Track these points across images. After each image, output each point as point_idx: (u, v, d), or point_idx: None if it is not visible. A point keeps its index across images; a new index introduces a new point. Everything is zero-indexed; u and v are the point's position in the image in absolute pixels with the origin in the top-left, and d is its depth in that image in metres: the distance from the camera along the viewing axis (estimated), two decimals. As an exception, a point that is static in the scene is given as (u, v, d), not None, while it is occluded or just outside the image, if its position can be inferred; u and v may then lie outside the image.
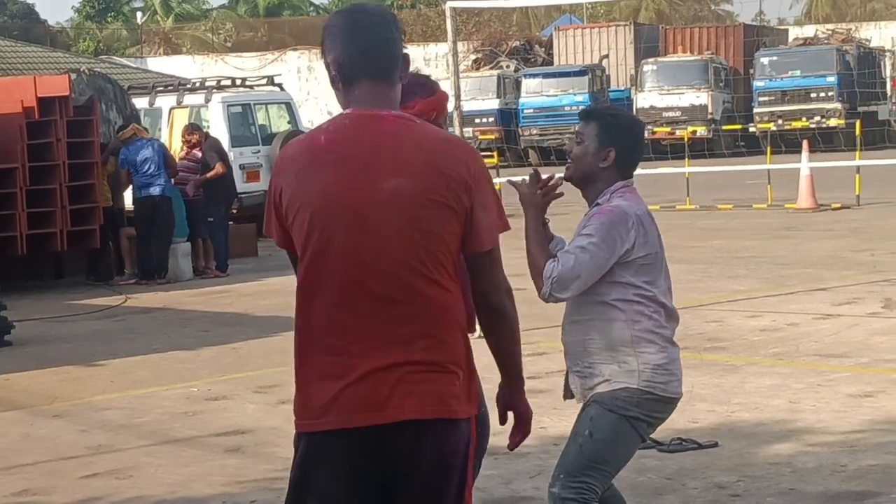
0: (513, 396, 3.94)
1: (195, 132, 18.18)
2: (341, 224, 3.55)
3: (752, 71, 45.32)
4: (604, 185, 5.00)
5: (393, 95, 3.69)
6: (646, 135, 5.25)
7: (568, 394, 5.10)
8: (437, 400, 3.58)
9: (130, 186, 17.58)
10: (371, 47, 3.67)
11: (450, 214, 3.58)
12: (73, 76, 18.25)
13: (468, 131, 41.95)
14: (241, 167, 21.74)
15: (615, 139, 5.00)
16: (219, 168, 17.70)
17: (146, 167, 16.90)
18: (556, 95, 44.75)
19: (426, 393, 3.57)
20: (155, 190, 16.87)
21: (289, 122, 23.88)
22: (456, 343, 3.65)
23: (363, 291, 3.56)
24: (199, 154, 17.89)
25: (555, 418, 8.29)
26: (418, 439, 3.57)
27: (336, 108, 3.84)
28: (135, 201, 17.24)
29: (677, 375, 4.94)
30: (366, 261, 3.55)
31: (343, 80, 3.69)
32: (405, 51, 3.79)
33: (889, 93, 45.39)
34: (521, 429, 4.04)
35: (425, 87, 5.20)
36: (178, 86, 24.29)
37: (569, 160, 5.11)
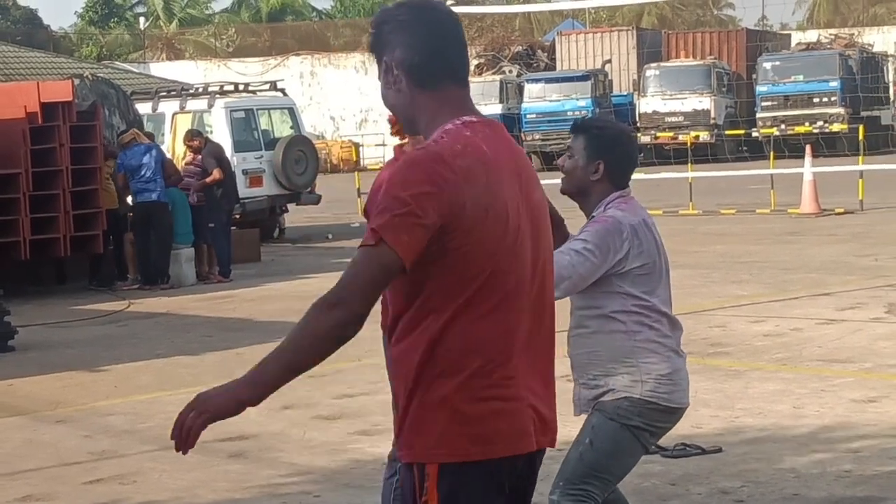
0: None
1: (196, 138, 18.17)
2: (516, 241, 3.27)
3: (754, 76, 45.33)
4: (598, 197, 5.01)
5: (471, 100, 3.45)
6: (636, 143, 5.26)
7: (577, 409, 5.07)
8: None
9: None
10: (453, 48, 3.37)
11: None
12: (77, 81, 18.30)
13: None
14: (244, 172, 21.76)
15: (603, 151, 5.00)
16: (215, 174, 17.67)
17: (142, 172, 16.90)
18: (559, 100, 44.76)
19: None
20: (151, 196, 16.87)
21: (291, 128, 23.91)
22: None
23: (528, 312, 3.31)
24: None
25: (560, 423, 8.28)
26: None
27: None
28: (132, 207, 17.26)
29: (682, 385, 4.93)
30: (534, 276, 3.33)
31: (420, 83, 3.32)
32: None
33: (892, 97, 45.38)
34: None
35: None
36: (181, 91, 24.30)
37: (562, 175, 5.11)
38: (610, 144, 5.05)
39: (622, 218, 4.90)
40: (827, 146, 38.10)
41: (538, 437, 3.34)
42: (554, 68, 50.40)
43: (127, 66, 50.63)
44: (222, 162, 18.11)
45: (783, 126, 42.40)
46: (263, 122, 23.43)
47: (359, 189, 25.54)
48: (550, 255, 3.43)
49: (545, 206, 3.44)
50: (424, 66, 3.31)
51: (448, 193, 3.16)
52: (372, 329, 5.30)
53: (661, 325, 4.90)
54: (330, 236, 23.63)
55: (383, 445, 5.25)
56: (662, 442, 7.28)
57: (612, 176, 5.00)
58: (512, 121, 45.39)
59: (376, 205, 3.20)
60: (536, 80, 46.60)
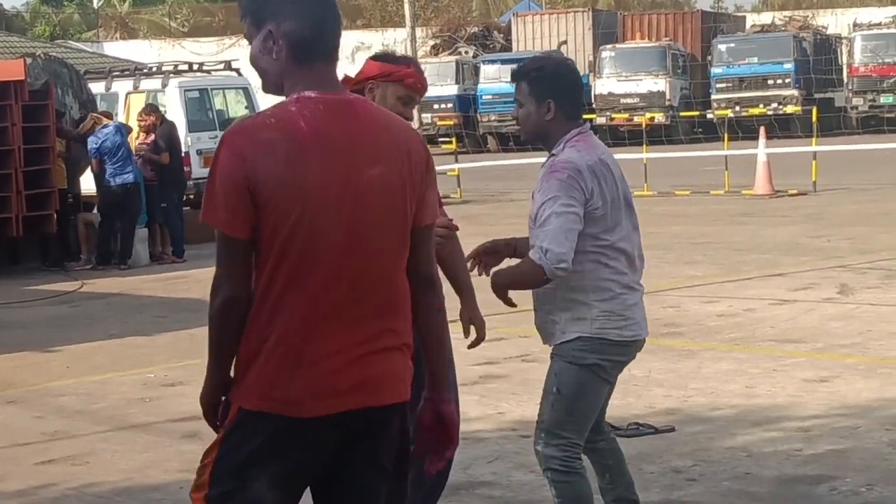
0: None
1: (152, 113, 18.01)
2: (332, 217, 3.43)
3: (709, 58, 45.43)
4: (557, 135, 5.11)
5: (337, 76, 3.63)
6: (577, 70, 5.38)
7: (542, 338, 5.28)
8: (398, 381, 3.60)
9: (88, 172, 17.49)
10: (332, 26, 3.56)
11: (412, 196, 3.57)
12: (29, 60, 18.12)
13: (427, 117, 42.03)
14: (199, 152, 21.63)
15: (549, 90, 5.09)
16: (162, 159, 17.54)
17: (120, 152, 16.79)
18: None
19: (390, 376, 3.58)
20: (129, 177, 16.73)
21: (246, 108, 23.78)
22: (409, 326, 3.64)
23: (348, 279, 3.47)
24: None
25: (512, 403, 8.31)
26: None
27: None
28: (108, 188, 16.98)
29: (635, 319, 5.12)
30: (351, 255, 3.47)
31: (297, 56, 3.52)
32: None
33: (845, 80, 45.60)
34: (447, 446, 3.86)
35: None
36: (135, 70, 24.15)
37: (518, 126, 5.18)
38: (553, 81, 5.13)
39: (578, 160, 4.99)
40: (781, 128, 38.27)
41: (356, 397, 3.48)
42: (510, 49, 50.35)
43: (80, 45, 50.26)
44: (173, 142, 17.98)
45: (738, 108, 42.51)
46: (218, 102, 23.30)
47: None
48: (379, 232, 3.50)
49: (384, 183, 3.50)
50: (307, 42, 3.50)
51: (248, 165, 3.37)
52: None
53: (618, 263, 5.06)
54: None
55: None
56: (615, 421, 7.33)
57: (564, 111, 5.10)
58: (468, 102, 45.38)
59: (209, 184, 3.49)
60: (492, 62, 46.51)
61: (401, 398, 3.59)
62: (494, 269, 5.24)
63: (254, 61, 3.62)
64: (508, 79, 45.38)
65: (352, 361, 3.47)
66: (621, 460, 5.43)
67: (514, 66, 5.37)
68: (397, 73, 5.20)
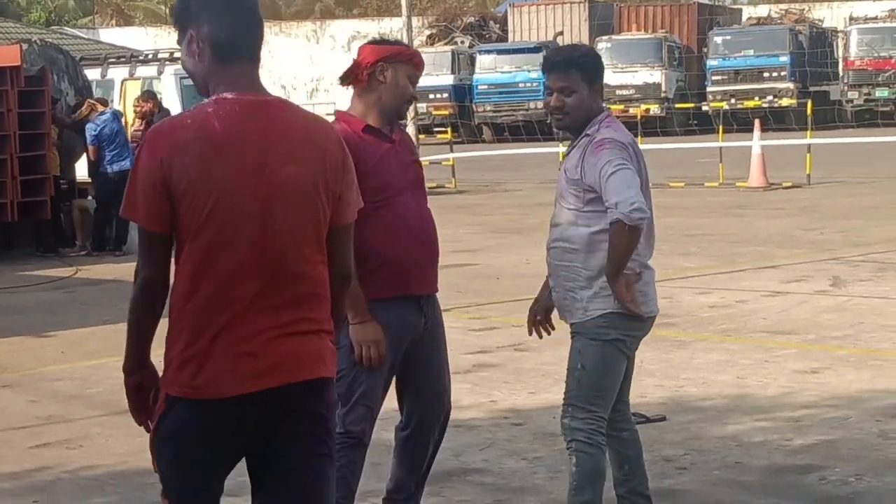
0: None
1: (150, 100, 17.98)
2: (241, 213, 3.62)
3: (705, 50, 45.48)
4: (594, 116, 5.20)
5: (259, 76, 3.79)
6: None
7: (543, 309, 5.43)
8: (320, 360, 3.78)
9: (83, 159, 17.50)
10: (253, 27, 3.74)
11: (329, 196, 3.75)
12: (25, 46, 18.14)
13: (422, 107, 42.00)
14: (195, 140, 21.66)
15: (597, 73, 5.24)
16: None
17: (118, 139, 16.81)
18: (511, 72, 44.75)
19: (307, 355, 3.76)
20: (126, 164, 16.65)
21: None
22: (328, 316, 3.81)
23: (262, 271, 3.66)
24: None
25: (504, 392, 8.36)
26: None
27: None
28: (105, 176, 16.96)
29: (650, 295, 5.26)
30: (264, 248, 3.65)
31: (218, 57, 3.70)
32: None
33: (841, 73, 45.65)
34: None
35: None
36: (131, 57, 24.16)
37: (558, 115, 5.23)
38: (598, 65, 5.30)
39: (619, 137, 5.12)
40: (775, 121, 38.33)
41: (274, 376, 3.66)
42: (506, 40, 50.37)
43: (76, 31, 50.21)
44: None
45: (733, 100, 42.60)
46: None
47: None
48: (292, 228, 3.68)
49: (298, 181, 3.68)
50: (226, 44, 3.69)
51: (164, 164, 3.59)
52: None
53: (640, 242, 5.14)
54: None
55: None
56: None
57: (603, 93, 5.29)
58: (463, 92, 45.40)
59: (130, 181, 3.72)
60: (488, 52, 46.55)
61: (320, 374, 3.75)
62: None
63: (183, 65, 3.83)
64: (504, 69, 45.28)
65: (267, 343, 3.65)
66: (640, 452, 5.52)
67: (545, 56, 5.45)
68: (407, 53, 5.29)
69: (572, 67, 5.19)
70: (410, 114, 25.42)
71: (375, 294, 5.13)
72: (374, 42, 5.41)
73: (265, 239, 3.65)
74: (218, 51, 3.69)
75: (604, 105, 5.34)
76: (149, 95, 18.31)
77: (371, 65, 5.21)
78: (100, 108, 17.33)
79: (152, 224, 3.64)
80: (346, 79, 5.30)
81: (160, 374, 3.76)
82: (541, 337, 5.56)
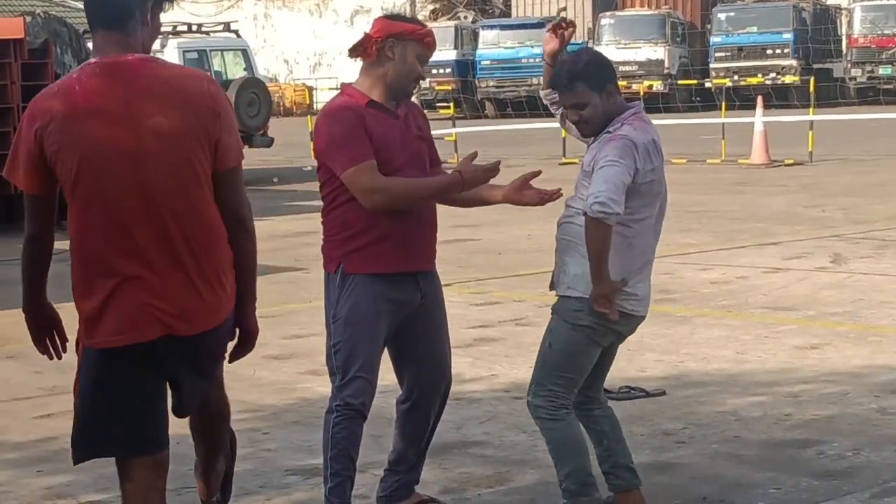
0: (245, 313, 4.30)
1: None
2: (110, 168, 3.91)
3: (708, 26, 45.44)
4: (615, 114, 5.21)
5: (133, 41, 3.99)
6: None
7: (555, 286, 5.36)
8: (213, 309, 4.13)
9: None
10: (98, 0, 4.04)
11: (203, 142, 3.98)
12: (28, 19, 18.13)
13: (425, 82, 41.98)
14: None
15: (604, 78, 5.24)
16: None
17: None
18: (514, 48, 44.72)
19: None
20: None
21: (244, 69, 23.84)
22: (227, 254, 4.12)
23: (146, 221, 3.97)
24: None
25: (506, 366, 8.41)
26: None
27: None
28: None
29: (637, 296, 5.22)
30: (138, 198, 3.95)
31: (90, 26, 4.01)
32: None
33: (844, 50, 45.59)
34: (246, 346, 4.41)
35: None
36: (134, 30, 24.12)
37: (579, 127, 5.27)
38: (601, 67, 5.31)
39: (635, 137, 5.12)
40: (778, 97, 38.35)
41: (165, 326, 4.06)
42: (509, 15, 50.33)
43: (79, 4, 50.10)
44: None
45: (736, 77, 42.58)
46: (216, 64, 23.37)
47: (311, 133, 25.50)
48: (168, 176, 3.95)
49: (165, 131, 3.93)
50: (88, 13, 4.05)
51: (37, 131, 3.93)
52: (323, 272, 5.37)
53: (637, 240, 5.15)
54: (276, 180, 23.60)
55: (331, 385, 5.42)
56: (606, 384, 7.41)
57: (618, 89, 5.28)
58: (466, 67, 45.38)
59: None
60: (491, 27, 46.54)
61: (212, 325, 4.12)
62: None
63: None
64: (507, 44, 45.18)
65: (165, 294, 4.02)
66: (616, 427, 5.51)
67: (554, 72, 5.44)
68: (419, 33, 5.24)
69: (576, 81, 5.18)
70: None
71: (371, 268, 5.12)
72: (388, 17, 5.39)
73: (142, 189, 3.92)
74: (89, 19, 4.02)
75: (627, 102, 5.30)
76: None
77: (381, 39, 5.19)
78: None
79: (30, 187, 4.05)
80: (354, 51, 5.25)
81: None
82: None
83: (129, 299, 4.04)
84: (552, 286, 5.35)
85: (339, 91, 5.41)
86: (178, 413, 4.42)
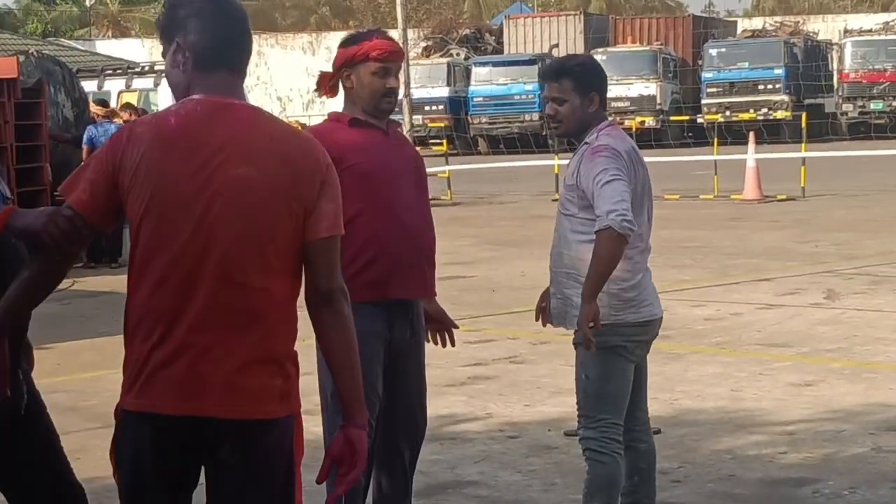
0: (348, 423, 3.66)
1: (126, 110, 18.05)
2: (179, 210, 3.49)
3: (700, 62, 45.58)
4: (594, 125, 5.23)
5: (242, 87, 3.70)
6: None
7: (548, 319, 5.39)
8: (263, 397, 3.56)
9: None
10: (239, 39, 3.65)
11: (294, 206, 3.54)
12: (22, 58, 18.16)
13: (417, 119, 42.02)
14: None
15: (593, 83, 5.24)
16: None
17: None
18: (506, 84, 44.81)
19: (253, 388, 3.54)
20: None
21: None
22: (288, 337, 3.61)
23: (200, 279, 3.48)
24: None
25: (500, 404, 8.38)
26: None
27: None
28: None
29: (648, 300, 5.25)
30: (206, 248, 3.48)
31: (200, 66, 3.59)
32: None
33: (835, 86, 45.74)
34: (348, 469, 3.67)
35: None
36: (127, 69, 24.21)
37: (553, 123, 5.30)
38: (596, 74, 5.33)
39: (616, 145, 5.15)
40: (770, 133, 38.38)
41: (198, 403, 3.50)
42: (501, 52, 50.45)
43: (72, 43, 50.29)
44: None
45: (728, 112, 42.69)
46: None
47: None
48: (235, 233, 3.49)
49: (249, 184, 3.51)
50: (209, 52, 3.59)
51: (117, 156, 3.54)
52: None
53: (633, 250, 5.15)
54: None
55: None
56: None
57: (603, 103, 5.28)
58: (459, 104, 45.44)
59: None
60: (484, 64, 46.62)
61: (264, 416, 3.53)
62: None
63: (167, 77, 3.72)
64: (500, 81, 45.30)
65: (199, 364, 3.49)
66: (653, 465, 5.55)
67: (545, 66, 5.52)
68: (361, 52, 5.18)
69: (563, 76, 5.23)
70: (406, 125, 25.47)
71: (361, 296, 4.79)
72: (342, 42, 5.33)
73: (200, 239, 3.49)
74: (200, 60, 3.58)
75: (606, 114, 5.35)
76: (127, 106, 18.39)
77: (336, 73, 5.23)
78: (101, 119, 17.41)
79: (81, 204, 3.58)
80: (317, 90, 5.34)
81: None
82: (544, 325, 5.51)
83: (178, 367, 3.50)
84: (549, 320, 5.36)
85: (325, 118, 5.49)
86: None
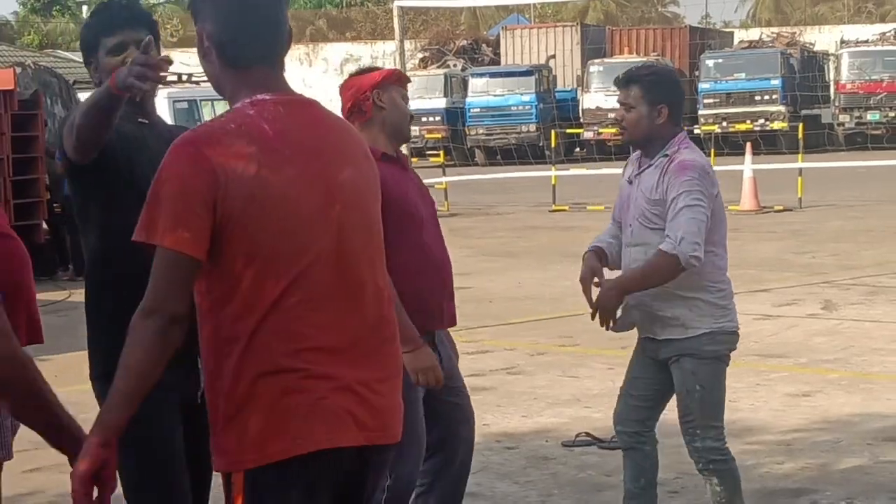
0: None
1: None
2: (320, 224, 3.12)
3: (697, 73, 45.60)
4: (663, 139, 5.23)
5: (285, 81, 3.30)
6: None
7: (620, 325, 5.34)
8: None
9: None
10: (263, 32, 3.24)
11: (378, 199, 3.35)
12: (18, 70, 18.19)
13: (414, 130, 42.06)
14: (187, 163, 21.71)
15: (664, 95, 5.24)
16: None
17: None
18: (503, 95, 44.82)
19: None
20: None
21: (235, 119, 23.85)
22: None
23: (343, 294, 3.16)
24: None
25: (497, 415, 8.37)
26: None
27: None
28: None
29: (736, 311, 5.39)
30: (346, 262, 3.17)
31: (227, 60, 3.22)
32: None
33: (832, 96, 45.78)
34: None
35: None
36: (124, 81, 24.17)
37: (622, 127, 5.32)
38: (667, 86, 5.33)
39: (700, 159, 5.18)
40: (766, 144, 38.42)
41: (368, 432, 3.17)
42: (498, 63, 50.46)
43: (69, 55, 50.24)
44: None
45: (725, 123, 42.71)
46: (206, 113, 23.37)
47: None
48: (362, 241, 3.22)
49: (356, 186, 3.24)
50: (232, 46, 3.21)
51: (219, 180, 3.03)
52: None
53: (723, 260, 5.28)
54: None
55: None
56: (599, 434, 7.40)
57: (673, 116, 5.26)
58: (456, 115, 45.44)
59: (155, 198, 3.07)
60: (481, 75, 46.63)
61: (396, 439, 3.29)
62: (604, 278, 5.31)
63: (201, 64, 3.35)
64: (497, 92, 45.30)
65: (368, 393, 3.17)
66: (656, 472, 5.63)
67: (622, 72, 5.48)
68: (394, 75, 5.24)
69: (632, 84, 5.25)
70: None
71: None
72: (356, 74, 5.32)
73: (341, 256, 3.14)
74: (224, 54, 3.20)
75: (680, 128, 5.34)
76: None
77: (368, 94, 5.19)
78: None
79: (197, 249, 3.01)
80: (351, 115, 5.11)
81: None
82: (607, 329, 5.35)
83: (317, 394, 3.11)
84: (618, 328, 5.30)
85: None
86: None
